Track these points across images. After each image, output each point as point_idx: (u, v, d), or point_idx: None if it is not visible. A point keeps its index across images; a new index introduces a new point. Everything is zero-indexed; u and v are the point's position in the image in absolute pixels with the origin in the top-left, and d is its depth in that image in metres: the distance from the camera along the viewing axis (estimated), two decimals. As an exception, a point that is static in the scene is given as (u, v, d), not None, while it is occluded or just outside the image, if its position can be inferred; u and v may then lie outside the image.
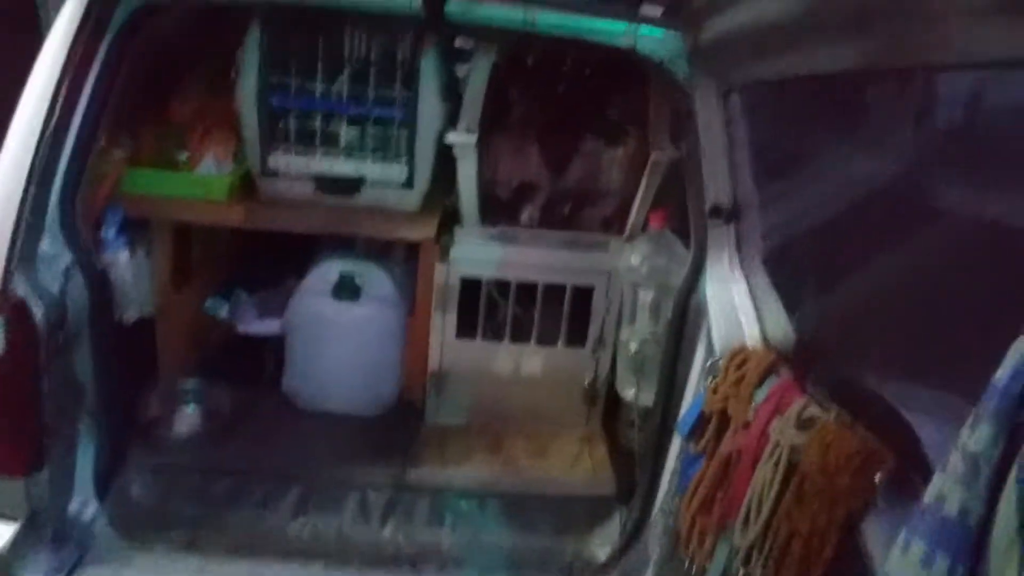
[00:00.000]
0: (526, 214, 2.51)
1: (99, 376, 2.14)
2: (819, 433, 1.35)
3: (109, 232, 2.18)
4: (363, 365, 2.50)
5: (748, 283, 1.94)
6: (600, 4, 2.13)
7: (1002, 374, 0.86)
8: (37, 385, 2.00)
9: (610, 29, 2.09)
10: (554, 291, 2.49)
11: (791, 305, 1.86)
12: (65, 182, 2.03)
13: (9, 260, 1.88)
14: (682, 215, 2.20)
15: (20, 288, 1.90)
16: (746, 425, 1.56)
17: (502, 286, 2.49)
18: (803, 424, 1.42)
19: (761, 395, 1.57)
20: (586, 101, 2.50)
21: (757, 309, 1.87)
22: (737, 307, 1.91)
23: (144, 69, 2.21)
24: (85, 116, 2.05)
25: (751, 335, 1.82)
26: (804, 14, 1.36)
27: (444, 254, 2.44)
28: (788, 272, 1.95)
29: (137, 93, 2.24)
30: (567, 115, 2.50)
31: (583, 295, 2.49)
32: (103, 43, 2.06)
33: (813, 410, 1.43)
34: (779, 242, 2.04)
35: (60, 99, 1.97)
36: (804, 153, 2.23)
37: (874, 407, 1.50)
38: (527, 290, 2.49)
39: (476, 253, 2.45)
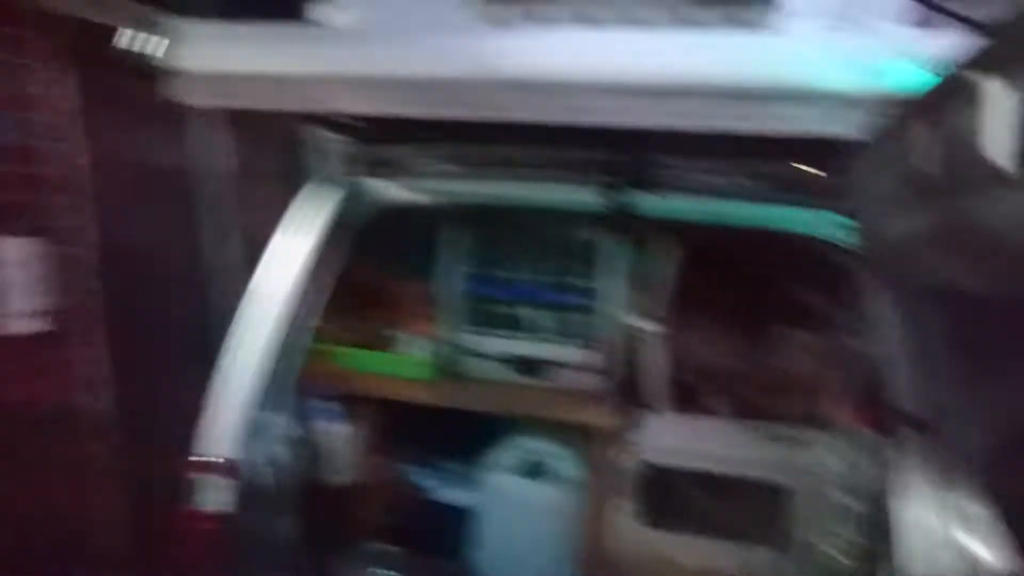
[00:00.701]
0: (714, 402, 2.44)
1: (304, 537, 2.35)
2: None
3: (322, 404, 2.44)
4: (545, 545, 2.49)
5: (952, 506, 1.72)
6: (791, 194, 2.12)
7: None
8: (255, 544, 2.24)
9: (801, 219, 2.06)
10: (744, 485, 2.36)
11: (1010, 538, 1.61)
12: (288, 360, 2.32)
13: (239, 431, 2.17)
14: (882, 413, 2.03)
15: (247, 455, 2.17)
16: None
17: (688, 475, 2.41)
18: None
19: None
20: (780, 285, 2.44)
21: (959, 541, 1.64)
22: (937, 534, 1.69)
23: (363, 259, 2.52)
24: (310, 302, 2.36)
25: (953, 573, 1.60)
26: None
27: (629, 439, 2.43)
28: (1006, 498, 1.70)
29: (355, 280, 2.55)
30: (759, 299, 2.44)
31: (775, 491, 2.33)
32: (336, 239, 2.39)
33: None
34: (995, 460, 1.80)
35: (292, 288, 2.30)
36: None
37: None
38: (715, 481, 2.38)
39: (661, 440, 2.41)
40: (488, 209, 2.44)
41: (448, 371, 2.57)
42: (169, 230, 3.79)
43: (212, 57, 1.73)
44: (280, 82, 1.72)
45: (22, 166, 2.87)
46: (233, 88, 1.77)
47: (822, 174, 1.93)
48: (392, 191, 2.42)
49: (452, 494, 2.63)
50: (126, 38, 1.75)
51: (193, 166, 3.91)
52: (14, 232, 2.83)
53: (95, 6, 3.25)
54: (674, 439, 2.41)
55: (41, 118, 2.95)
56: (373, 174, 2.41)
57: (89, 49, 3.16)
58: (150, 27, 1.75)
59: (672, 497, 2.42)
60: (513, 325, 2.54)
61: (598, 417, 2.45)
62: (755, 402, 2.42)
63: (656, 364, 2.40)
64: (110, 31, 3.21)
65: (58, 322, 2.96)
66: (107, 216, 3.25)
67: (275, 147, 4.30)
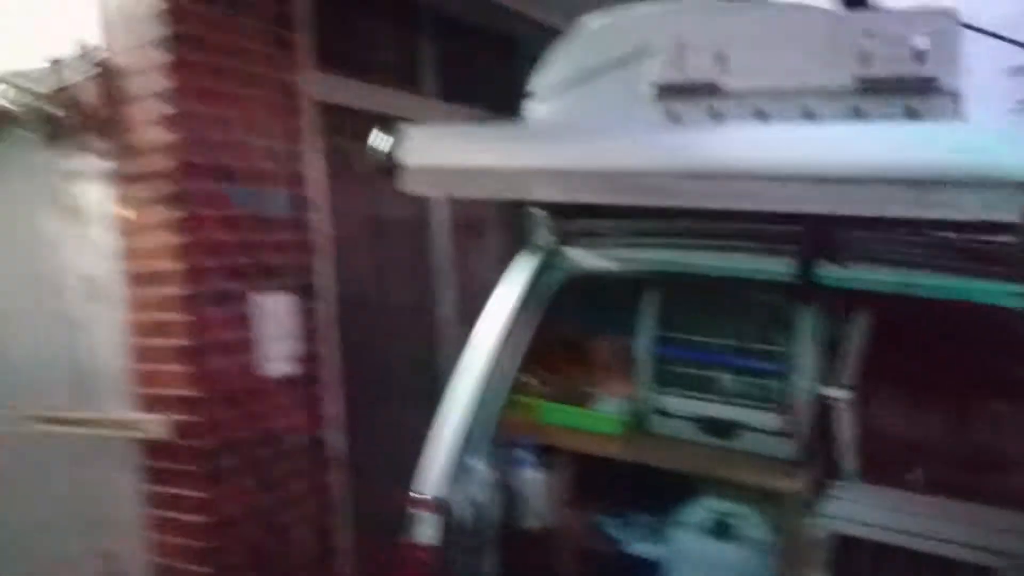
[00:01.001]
0: (913, 476, 2.37)
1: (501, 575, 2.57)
2: None
3: (521, 453, 2.67)
4: (732, 608, 2.54)
5: None
6: (982, 266, 2.07)
7: None
8: (459, 576, 2.49)
9: (997, 291, 2.01)
10: (943, 564, 2.26)
11: None
12: (494, 413, 2.58)
13: (447, 473, 2.45)
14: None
15: (452, 494, 2.45)
16: None
17: (882, 549, 2.35)
18: None
19: None
20: (980, 357, 2.34)
21: None
22: None
23: (565, 319, 2.74)
24: (511, 360, 2.62)
25: None
26: None
27: (819, 508, 2.42)
28: None
29: (557, 339, 2.78)
30: (958, 372, 2.36)
31: (978, 573, 2.22)
32: (534, 304, 2.64)
33: None
34: None
35: (496, 352, 2.57)
36: None
37: None
38: (911, 558, 2.31)
39: (853, 511, 2.38)
40: (679, 278, 2.57)
41: (638, 428, 2.70)
42: (400, 286, 4.27)
43: (431, 153, 2.04)
44: (488, 174, 1.99)
45: (287, 234, 3.42)
46: (449, 180, 2.08)
47: (1013, 247, 1.89)
48: (589, 259, 2.63)
49: (641, 547, 2.74)
50: (368, 137, 2.10)
51: (422, 229, 4.39)
52: (278, 289, 3.36)
53: (352, 94, 3.81)
54: (867, 511, 2.36)
55: (302, 193, 3.50)
56: (572, 243, 2.64)
57: (335, 128, 3.71)
58: (385, 127, 2.09)
59: (864, 571, 2.37)
60: (703, 387, 2.63)
61: (787, 483, 2.47)
62: (956, 478, 2.33)
63: (847, 433, 2.39)
64: (351, 113, 3.74)
65: (305, 367, 3.45)
66: (347, 274, 3.76)
67: (494, 212, 4.73)
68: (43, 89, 3.06)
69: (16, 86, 3.10)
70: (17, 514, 3.20)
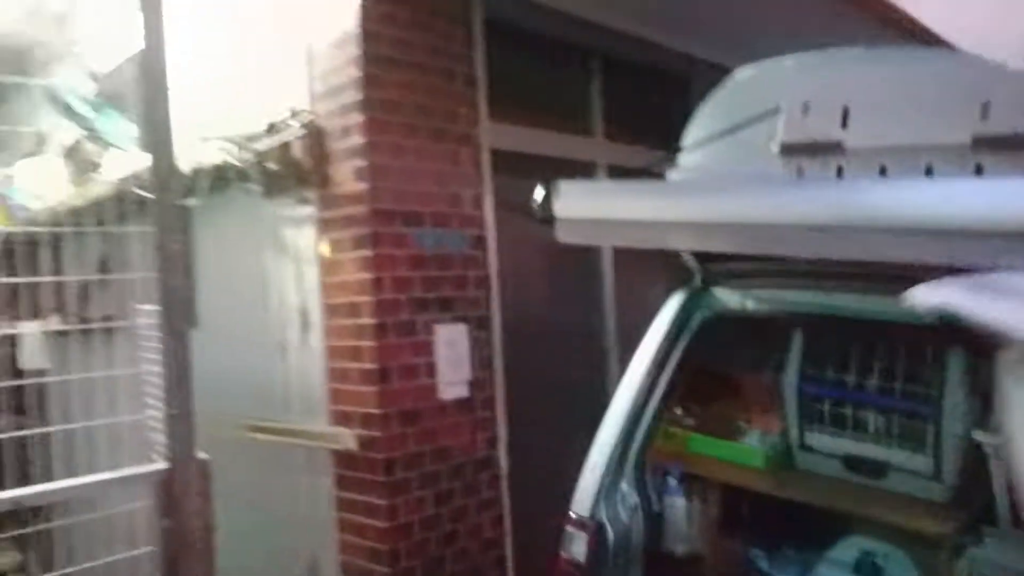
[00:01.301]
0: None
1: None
2: None
3: (670, 481, 2.82)
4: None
5: None
6: None
7: None
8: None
9: None
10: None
11: None
12: (642, 441, 2.76)
13: (597, 495, 2.67)
14: None
15: (602, 515, 2.66)
16: None
17: (1039, 600, 2.29)
18: None
19: None
20: None
21: None
22: None
23: (710, 357, 2.88)
24: (662, 394, 2.79)
25: None
26: None
27: (967, 553, 2.39)
28: None
29: (705, 375, 2.92)
30: None
31: None
32: (681, 342, 2.81)
33: None
34: None
35: (646, 384, 2.76)
36: None
37: None
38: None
39: (1004, 558, 2.33)
40: (822, 319, 2.64)
41: (784, 463, 2.78)
42: (566, 314, 4.54)
43: (580, 207, 2.28)
44: (630, 225, 2.20)
45: (464, 270, 3.78)
46: (596, 230, 2.31)
47: None
48: (735, 299, 2.76)
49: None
50: (536, 177, 2.36)
51: (587, 260, 4.63)
52: (455, 320, 3.72)
53: (523, 140, 4.14)
54: (1019, 558, 2.32)
55: (478, 232, 3.86)
56: (719, 284, 2.78)
57: (508, 171, 4.03)
58: (546, 184, 2.34)
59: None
60: (850, 425, 2.67)
61: (936, 526, 2.46)
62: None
63: (999, 478, 2.35)
64: (523, 157, 4.06)
65: (476, 391, 3.78)
66: (516, 305, 4.07)
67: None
68: (262, 148, 3.62)
69: (241, 146, 3.68)
70: (231, 511, 3.73)
